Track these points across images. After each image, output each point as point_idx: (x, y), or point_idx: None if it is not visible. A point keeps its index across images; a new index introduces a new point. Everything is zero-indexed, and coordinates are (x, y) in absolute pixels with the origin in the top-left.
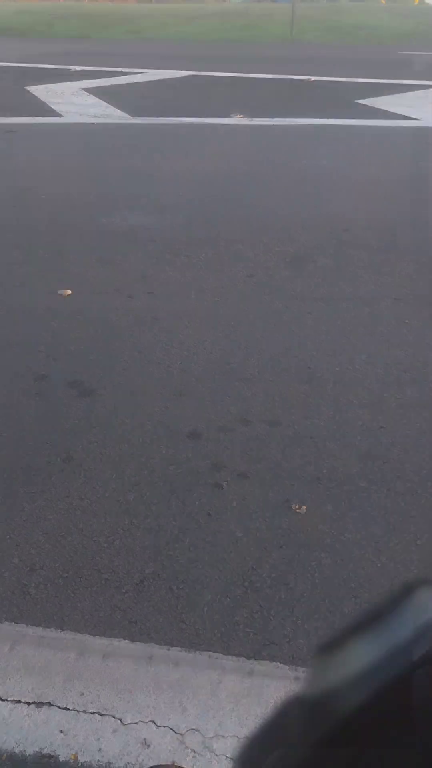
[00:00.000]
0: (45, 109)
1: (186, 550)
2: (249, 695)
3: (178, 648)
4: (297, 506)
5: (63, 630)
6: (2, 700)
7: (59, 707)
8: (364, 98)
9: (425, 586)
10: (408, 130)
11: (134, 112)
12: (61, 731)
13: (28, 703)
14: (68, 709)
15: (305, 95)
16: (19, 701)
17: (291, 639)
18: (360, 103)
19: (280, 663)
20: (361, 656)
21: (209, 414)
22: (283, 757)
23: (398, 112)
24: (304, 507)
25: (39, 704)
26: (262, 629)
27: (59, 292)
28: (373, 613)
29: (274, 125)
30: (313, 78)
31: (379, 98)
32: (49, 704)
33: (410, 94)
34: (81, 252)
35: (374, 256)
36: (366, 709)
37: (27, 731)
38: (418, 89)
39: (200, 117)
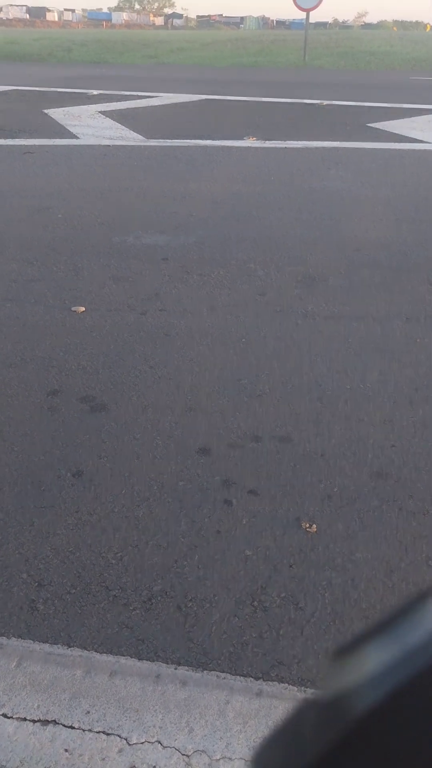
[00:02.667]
0: (62, 132)
1: (195, 567)
2: (257, 716)
3: (186, 667)
4: (307, 524)
5: (70, 647)
6: (8, 717)
7: (65, 725)
8: (375, 122)
9: None
10: (419, 153)
11: (149, 135)
12: (66, 750)
13: (34, 721)
14: (74, 728)
15: (317, 119)
16: (25, 719)
17: (300, 660)
18: (371, 127)
19: (289, 684)
20: (375, 659)
21: (220, 430)
22: (296, 759)
23: (409, 136)
24: (314, 525)
25: (45, 722)
26: (271, 649)
27: (73, 308)
28: (387, 618)
29: (286, 148)
30: (325, 102)
31: (390, 122)
32: (55, 722)
33: (421, 118)
34: (95, 270)
35: (386, 276)
36: (379, 711)
37: (32, 749)
38: (429, 113)
39: (214, 140)
